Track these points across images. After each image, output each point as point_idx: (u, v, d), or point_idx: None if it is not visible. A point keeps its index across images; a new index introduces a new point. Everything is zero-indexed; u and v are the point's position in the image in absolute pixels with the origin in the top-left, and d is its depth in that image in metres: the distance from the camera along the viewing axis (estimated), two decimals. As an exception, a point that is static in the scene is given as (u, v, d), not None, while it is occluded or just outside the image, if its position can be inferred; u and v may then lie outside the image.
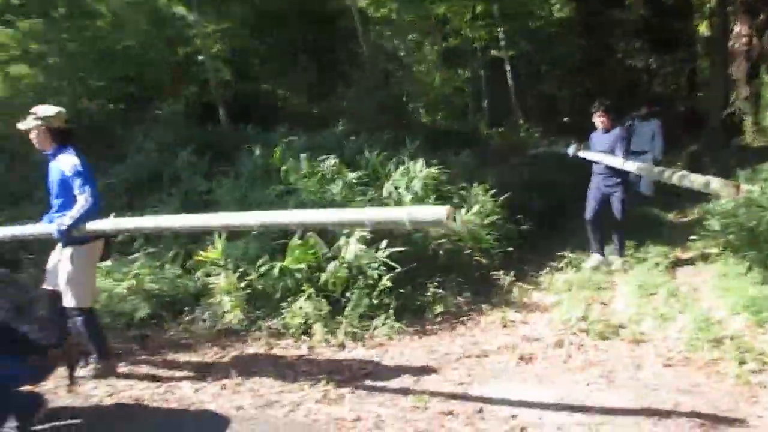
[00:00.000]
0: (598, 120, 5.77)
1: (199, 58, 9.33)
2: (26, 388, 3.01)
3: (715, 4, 12.58)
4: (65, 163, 3.62)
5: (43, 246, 4.08)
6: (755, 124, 12.36)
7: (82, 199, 3.55)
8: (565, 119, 14.60)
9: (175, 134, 6.90)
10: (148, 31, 8.99)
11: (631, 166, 5.43)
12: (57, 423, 3.04)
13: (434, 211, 2.69)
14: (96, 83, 8.47)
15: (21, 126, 3.71)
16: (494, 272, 5.20)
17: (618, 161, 5.48)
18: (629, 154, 5.72)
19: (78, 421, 3.09)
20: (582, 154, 6.11)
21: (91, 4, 8.53)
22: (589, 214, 5.73)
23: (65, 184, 3.65)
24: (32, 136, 3.71)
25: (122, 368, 3.82)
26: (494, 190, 5.84)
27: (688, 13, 16.18)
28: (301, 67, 12.00)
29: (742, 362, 3.36)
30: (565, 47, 15.16)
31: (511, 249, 5.59)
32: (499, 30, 12.91)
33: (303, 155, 5.69)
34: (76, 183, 3.58)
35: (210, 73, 8.62)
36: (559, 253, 5.74)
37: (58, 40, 7.47)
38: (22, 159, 6.77)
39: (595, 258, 5.70)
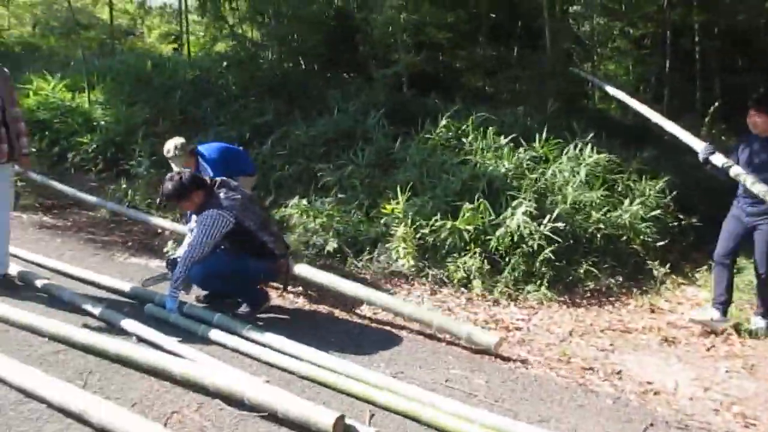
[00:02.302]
0: (753, 120, 4.06)
1: (390, 28, 9.92)
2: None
3: None
4: None
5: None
6: None
7: None
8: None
9: (368, 97, 7.73)
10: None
11: None
12: (272, 315, 3.94)
13: (487, 337, 3.58)
14: (302, 45, 9.59)
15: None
16: (650, 262, 5.37)
17: (760, 185, 3.81)
18: None
19: (287, 317, 3.97)
20: (717, 161, 4.15)
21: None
22: (719, 251, 4.24)
23: None
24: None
25: (314, 291, 4.65)
26: (661, 185, 5.92)
27: None
28: (479, 45, 12.34)
29: None
30: (769, 41, 13.92)
31: (669, 243, 5.69)
32: (695, 19, 12.24)
33: (491, 129, 6.21)
34: None
35: (399, 44, 9.27)
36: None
37: (275, 7, 8.62)
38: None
39: (708, 312, 4.22)
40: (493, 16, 12.67)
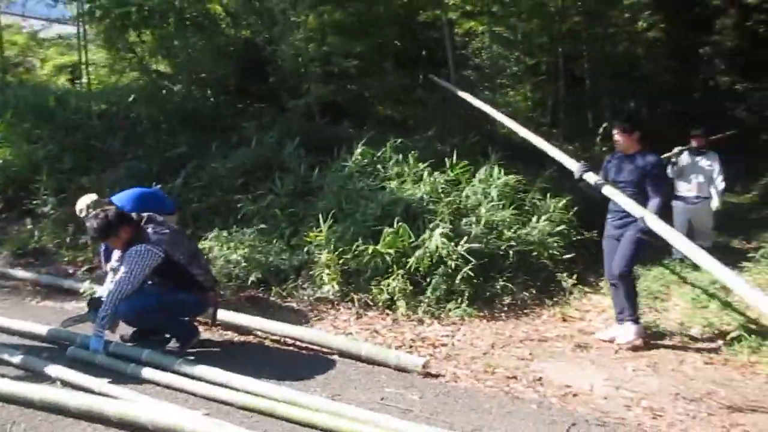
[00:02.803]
0: (616, 139, 4.42)
1: (300, 59, 10.06)
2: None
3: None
4: None
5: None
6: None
7: None
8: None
9: (283, 128, 7.81)
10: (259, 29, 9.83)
11: (654, 222, 3.88)
12: (203, 349, 3.90)
13: (414, 360, 3.73)
14: (211, 77, 9.55)
15: None
16: (558, 274, 5.75)
17: (633, 205, 4.01)
18: (661, 194, 4.24)
19: (218, 350, 3.95)
20: (591, 179, 4.40)
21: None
22: (607, 273, 4.50)
23: None
24: None
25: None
26: (564, 202, 6.38)
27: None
28: (387, 73, 12.74)
29: (775, 366, 3.85)
30: (652, 68, 15.28)
31: (574, 255, 6.12)
32: (583, 48, 13.28)
33: (411, 154, 6.47)
34: None
35: (309, 74, 9.42)
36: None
37: (184, 39, 8.58)
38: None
39: (612, 330, 4.42)
40: (398, 44, 13.15)
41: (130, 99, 8.43)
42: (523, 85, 12.97)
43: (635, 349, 4.24)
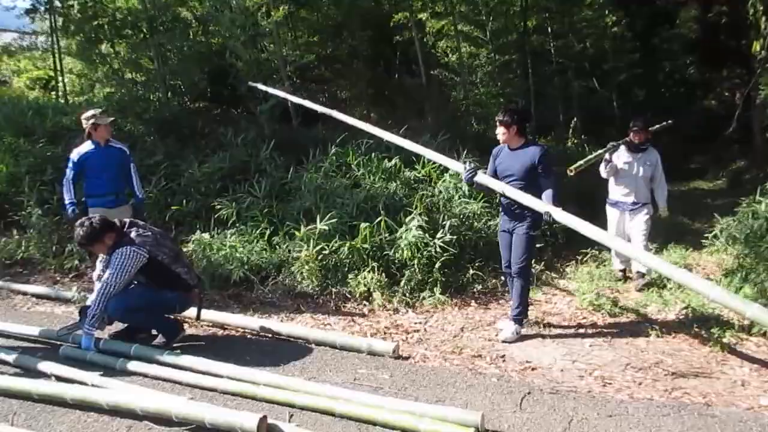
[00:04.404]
0: (497, 132, 4.36)
1: (275, 63, 10.28)
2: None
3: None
4: (122, 147, 5.36)
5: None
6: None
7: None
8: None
9: (257, 132, 8.05)
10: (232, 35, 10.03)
11: (559, 214, 3.93)
12: (188, 343, 4.14)
13: (385, 345, 3.99)
14: (186, 84, 9.76)
15: (110, 119, 5.35)
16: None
17: (534, 201, 4.00)
18: (553, 183, 4.15)
19: (202, 343, 4.19)
20: (482, 179, 4.31)
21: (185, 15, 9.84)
22: (503, 264, 4.50)
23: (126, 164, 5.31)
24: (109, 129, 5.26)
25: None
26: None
27: (743, 32, 16.41)
28: (360, 75, 13.05)
29: (721, 336, 4.18)
30: (617, 61, 15.74)
31: (543, 245, 6.42)
32: (551, 44, 13.68)
33: (373, 155, 6.74)
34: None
35: (284, 77, 9.66)
36: (585, 250, 6.52)
37: (157, 49, 8.78)
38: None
39: (505, 325, 4.44)
40: (370, 47, 13.45)
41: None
42: (493, 82, 13.29)
43: (593, 326, 4.57)
